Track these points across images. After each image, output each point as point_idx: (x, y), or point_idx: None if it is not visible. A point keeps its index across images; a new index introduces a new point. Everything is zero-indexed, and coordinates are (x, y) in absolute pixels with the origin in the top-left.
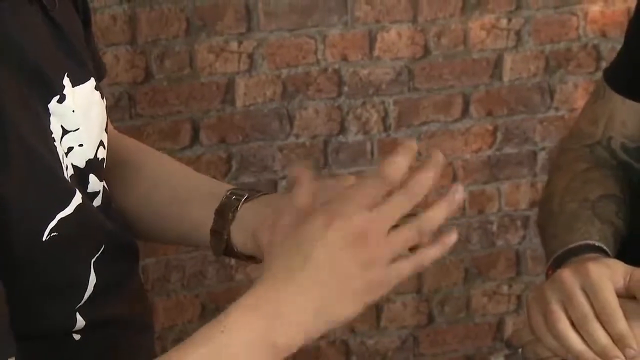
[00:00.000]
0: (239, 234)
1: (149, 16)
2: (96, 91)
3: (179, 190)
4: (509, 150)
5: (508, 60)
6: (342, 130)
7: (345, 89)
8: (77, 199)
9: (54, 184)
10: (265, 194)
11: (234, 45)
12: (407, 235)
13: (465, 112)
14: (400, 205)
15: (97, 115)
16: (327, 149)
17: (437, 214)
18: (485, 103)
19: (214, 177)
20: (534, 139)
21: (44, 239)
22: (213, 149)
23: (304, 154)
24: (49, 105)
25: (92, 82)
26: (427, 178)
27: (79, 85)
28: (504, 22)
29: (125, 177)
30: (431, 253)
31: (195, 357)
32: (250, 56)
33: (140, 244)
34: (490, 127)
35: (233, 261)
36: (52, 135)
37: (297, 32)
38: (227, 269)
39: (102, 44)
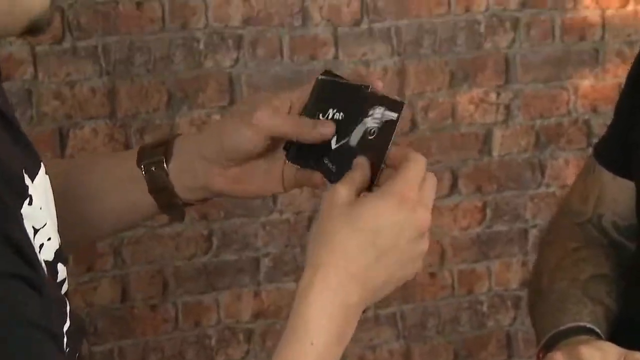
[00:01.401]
0: (182, 182)
1: (129, 89)
2: (46, 175)
3: (101, 184)
4: (499, 227)
5: (497, 134)
6: None
7: None
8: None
9: (50, 297)
10: (175, 138)
11: (216, 118)
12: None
13: (453, 187)
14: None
15: (52, 201)
16: None
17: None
18: (474, 178)
19: (196, 253)
20: (524, 216)
21: None
22: (195, 226)
23: None
24: (22, 211)
25: (42, 168)
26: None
27: (35, 177)
28: (493, 96)
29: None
30: None
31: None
32: None
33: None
34: (480, 204)
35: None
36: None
37: None
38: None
39: (80, 117)
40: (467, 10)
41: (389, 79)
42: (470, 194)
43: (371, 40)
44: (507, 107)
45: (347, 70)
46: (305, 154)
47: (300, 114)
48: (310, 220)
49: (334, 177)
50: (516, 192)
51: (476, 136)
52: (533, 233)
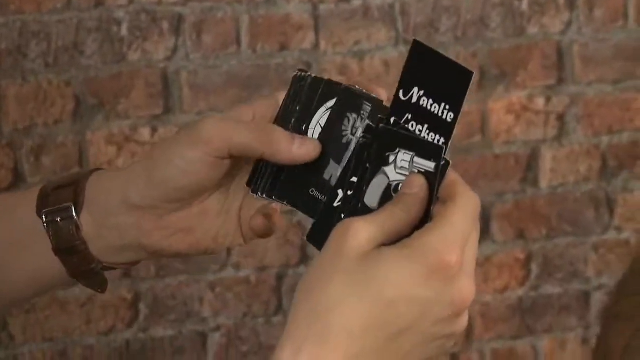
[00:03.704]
0: (101, 241)
1: (20, 91)
2: None
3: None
4: (549, 289)
5: (547, 157)
6: None
7: None
8: None
9: None
10: (88, 176)
11: (144, 133)
12: None
13: (484, 233)
14: None
15: None
16: None
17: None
18: (514, 220)
19: (115, 327)
20: (585, 273)
21: None
22: (114, 287)
23: None
24: None
25: None
26: None
27: None
28: (540, 102)
29: None
30: None
31: None
32: None
33: None
34: (522, 256)
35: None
36: None
37: None
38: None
39: None
40: None
41: (392, 78)
42: (509, 241)
43: (366, 22)
44: (561, 118)
45: (331, 64)
46: (288, 190)
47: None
48: (280, 279)
49: None
50: (574, 240)
51: (517, 159)
52: (597, 297)
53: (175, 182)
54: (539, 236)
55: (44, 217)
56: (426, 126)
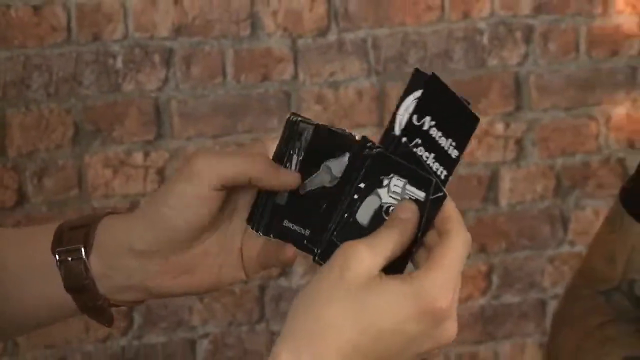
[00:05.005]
0: (107, 279)
1: (24, 119)
2: None
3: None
4: (509, 298)
5: (506, 178)
6: None
7: None
8: None
9: None
10: (99, 221)
11: (138, 157)
12: None
13: None
14: None
15: None
16: None
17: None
18: (476, 235)
19: (111, 335)
20: (542, 283)
21: None
22: None
23: None
24: None
25: None
26: None
27: None
28: (499, 127)
29: None
30: None
31: None
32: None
33: None
34: (484, 268)
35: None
36: None
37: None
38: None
39: None
40: (466, 16)
41: (365, 105)
42: (472, 255)
43: (341, 55)
44: (519, 142)
45: (309, 94)
46: (282, 223)
47: None
48: (263, 290)
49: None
50: (531, 253)
51: (478, 180)
52: (553, 306)
53: (172, 221)
54: (499, 250)
55: (57, 255)
56: (433, 155)
